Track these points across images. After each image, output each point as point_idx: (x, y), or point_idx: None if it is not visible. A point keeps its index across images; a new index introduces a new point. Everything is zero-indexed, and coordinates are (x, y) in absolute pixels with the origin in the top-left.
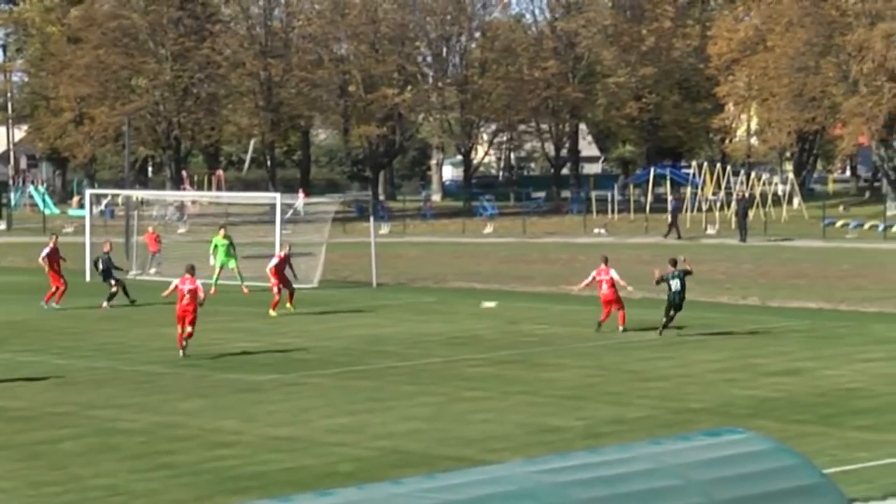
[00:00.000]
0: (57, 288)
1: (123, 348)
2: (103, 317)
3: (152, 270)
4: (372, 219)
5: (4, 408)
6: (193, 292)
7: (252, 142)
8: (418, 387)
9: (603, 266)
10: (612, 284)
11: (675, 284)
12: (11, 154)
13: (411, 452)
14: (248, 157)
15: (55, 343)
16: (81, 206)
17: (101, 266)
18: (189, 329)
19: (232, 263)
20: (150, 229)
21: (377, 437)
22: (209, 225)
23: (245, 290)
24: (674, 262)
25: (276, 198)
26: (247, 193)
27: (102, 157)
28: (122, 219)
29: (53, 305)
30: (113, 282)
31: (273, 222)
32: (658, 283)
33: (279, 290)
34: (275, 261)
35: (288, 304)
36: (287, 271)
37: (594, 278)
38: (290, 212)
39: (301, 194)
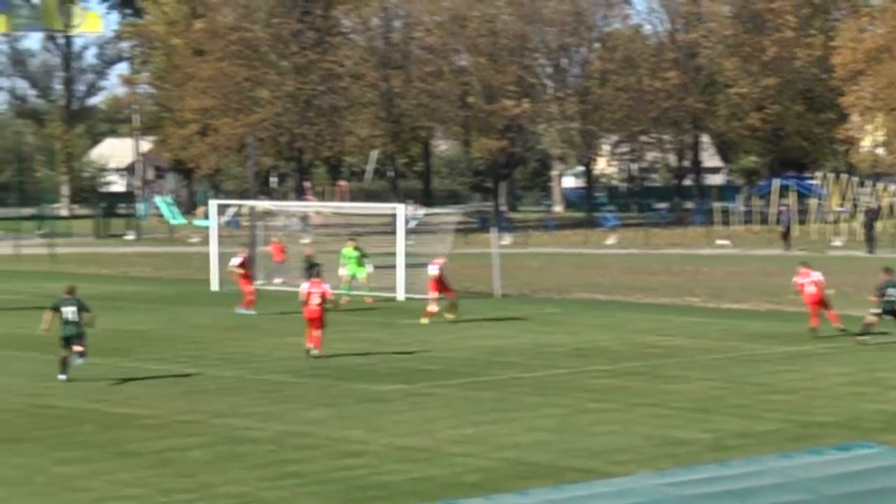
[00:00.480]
0: (249, 295)
1: (250, 357)
2: (230, 326)
3: (277, 280)
4: (494, 229)
5: (135, 416)
6: (321, 295)
7: (373, 153)
8: (543, 398)
9: (804, 269)
10: (818, 285)
11: (892, 293)
12: (139, 165)
13: (537, 464)
14: (369, 168)
15: (183, 352)
16: (207, 216)
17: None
18: (317, 332)
19: (361, 274)
20: (275, 240)
21: (502, 448)
22: (332, 235)
23: (369, 300)
24: (888, 271)
25: (398, 208)
26: (369, 204)
27: (227, 168)
28: (246, 229)
29: (250, 312)
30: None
31: (395, 233)
32: (880, 296)
33: (437, 299)
34: (435, 270)
35: (448, 314)
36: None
37: (800, 284)
38: (413, 222)
39: (413, 206)
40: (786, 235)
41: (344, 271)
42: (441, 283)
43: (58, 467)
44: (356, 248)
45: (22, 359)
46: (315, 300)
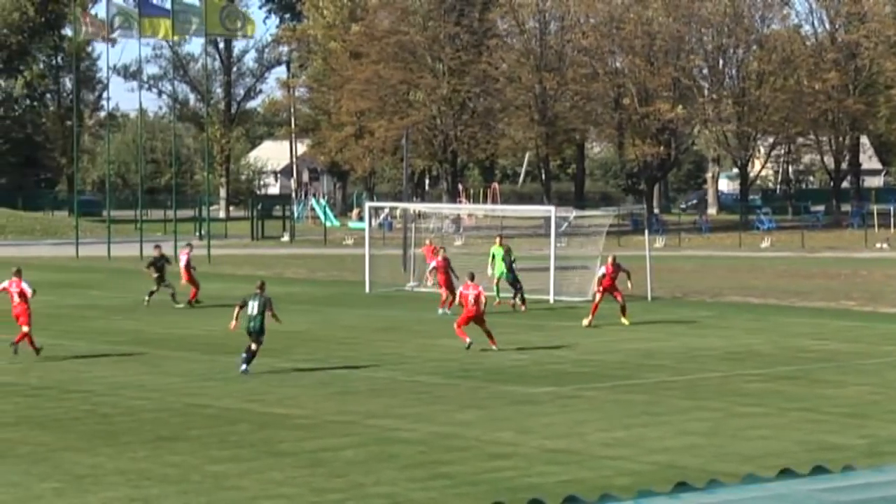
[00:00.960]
0: (447, 296)
1: (402, 358)
2: (382, 328)
3: (430, 283)
4: (647, 232)
5: (288, 416)
6: (477, 297)
7: (527, 155)
8: (694, 401)
9: None
10: None
11: None
12: (294, 167)
13: (689, 468)
14: (522, 171)
15: (336, 353)
16: (361, 218)
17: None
18: (487, 328)
19: (506, 275)
20: (428, 242)
21: (653, 452)
22: (485, 238)
23: (497, 303)
24: None
25: (551, 211)
26: (521, 206)
27: (381, 170)
28: (399, 231)
29: (447, 311)
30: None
31: (547, 235)
32: None
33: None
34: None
35: (623, 319)
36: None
37: None
38: (565, 225)
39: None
40: None
41: (491, 271)
42: (611, 283)
43: (212, 466)
44: (501, 246)
45: (178, 359)
46: (471, 303)
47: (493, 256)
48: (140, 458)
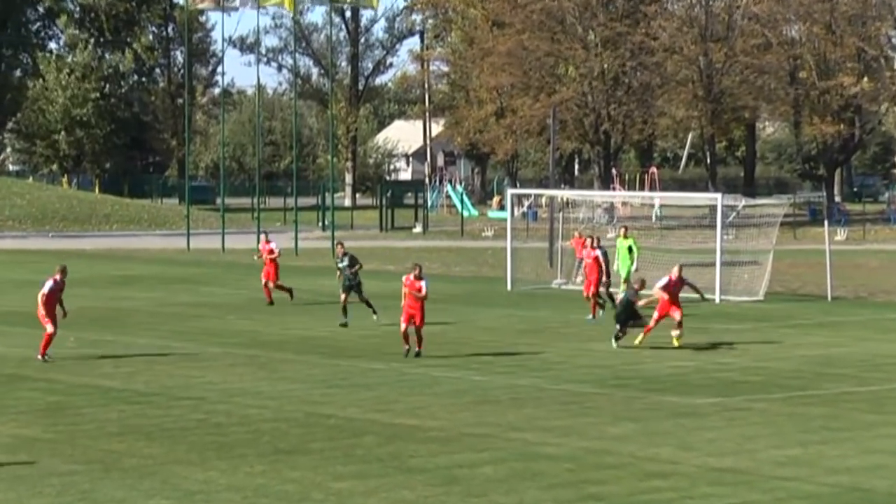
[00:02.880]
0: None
1: (547, 364)
2: (526, 329)
3: (579, 279)
4: (826, 223)
5: (419, 427)
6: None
7: (689, 136)
8: (882, 416)
9: None
10: None
11: None
12: (428, 150)
13: (875, 491)
14: (684, 154)
15: (473, 357)
16: (502, 207)
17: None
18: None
19: (626, 270)
20: (577, 233)
21: (833, 472)
22: (641, 229)
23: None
24: None
25: (717, 199)
26: (683, 194)
27: (525, 154)
28: (545, 221)
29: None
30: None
31: (712, 226)
32: None
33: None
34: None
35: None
36: None
37: None
38: (733, 215)
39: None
40: None
41: (617, 265)
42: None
43: (335, 482)
44: (626, 238)
45: (297, 363)
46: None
47: (622, 250)
48: (256, 472)
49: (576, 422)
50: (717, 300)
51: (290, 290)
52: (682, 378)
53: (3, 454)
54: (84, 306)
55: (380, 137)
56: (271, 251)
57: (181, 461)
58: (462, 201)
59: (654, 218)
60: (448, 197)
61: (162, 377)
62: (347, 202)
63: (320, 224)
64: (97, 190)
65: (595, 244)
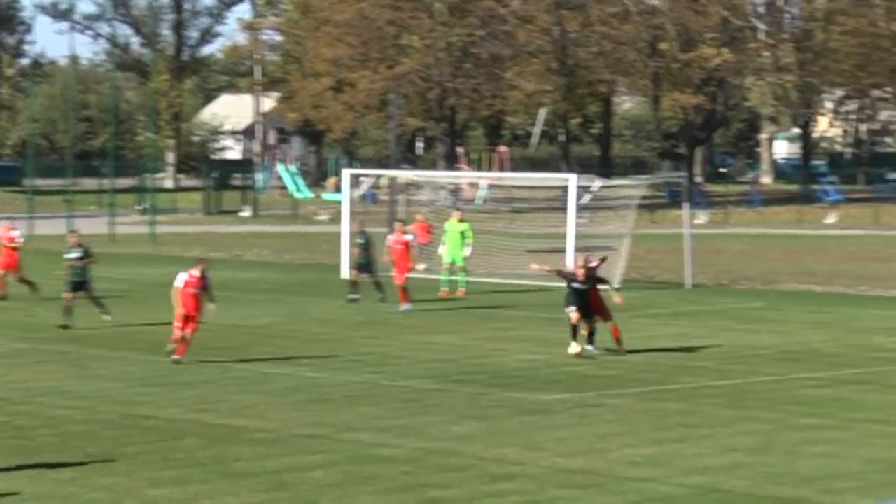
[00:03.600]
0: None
1: (386, 359)
2: (362, 321)
3: (421, 267)
4: (686, 205)
5: (246, 428)
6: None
7: (542, 112)
8: (741, 411)
9: None
10: None
11: None
12: (259, 127)
13: (732, 492)
14: (536, 131)
15: (305, 352)
16: (339, 188)
17: None
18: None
19: (460, 258)
20: (420, 217)
21: (690, 472)
22: (490, 212)
23: (461, 292)
24: None
25: (571, 179)
26: (535, 174)
27: (364, 132)
28: (386, 204)
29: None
30: None
31: (566, 209)
32: None
33: None
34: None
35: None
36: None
37: None
38: (587, 197)
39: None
40: None
41: (443, 250)
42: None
43: (152, 489)
44: (461, 222)
45: (112, 360)
46: None
47: (452, 235)
48: (65, 480)
49: (416, 421)
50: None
51: (32, 284)
52: (531, 373)
53: None
54: None
55: (206, 113)
56: (12, 239)
57: None
58: (295, 182)
59: (478, 199)
60: (280, 178)
61: None
62: (169, 183)
63: (139, 207)
64: None
65: (404, 229)
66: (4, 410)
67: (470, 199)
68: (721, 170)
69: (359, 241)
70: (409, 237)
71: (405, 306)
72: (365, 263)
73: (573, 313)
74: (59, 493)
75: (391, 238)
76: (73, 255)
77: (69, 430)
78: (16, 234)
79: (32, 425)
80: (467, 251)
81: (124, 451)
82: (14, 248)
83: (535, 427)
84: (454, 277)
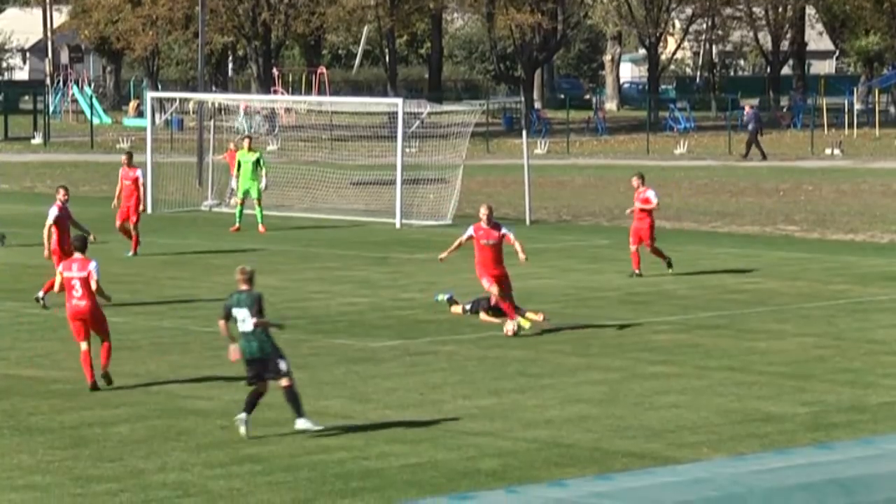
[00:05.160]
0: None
1: (196, 303)
2: (169, 261)
3: (233, 201)
4: (525, 134)
5: (40, 379)
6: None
7: (365, 30)
8: (586, 359)
9: None
10: None
11: None
12: (50, 45)
13: (577, 446)
14: (360, 51)
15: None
16: (141, 113)
17: None
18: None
19: (255, 190)
20: (232, 146)
21: (531, 426)
22: (309, 141)
23: (261, 230)
24: None
25: (398, 104)
26: (359, 98)
27: (168, 50)
28: (193, 131)
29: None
30: None
31: (393, 137)
32: None
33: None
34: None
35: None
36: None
37: None
38: (416, 124)
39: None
40: (751, 142)
41: (235, 184)
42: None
43: None
44: (251, 150)
45: None
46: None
47: (240, 165)
48: None
49: (229, 370)
50: (399, 224)
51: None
52: (357, 317)
53: None
54: None
55: None
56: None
57: None
58: (91, 106)
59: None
60: (74, 101)
61: None
62: None
63: None
64: None
65: (129, 161)
66: None
67: (288, 125)
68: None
69: None
70: (138, 173)
71: (132, 252)
72: None
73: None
74: None
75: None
76: None
77: None
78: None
79: None
80: (263, 182)
81: None
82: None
83: (362, 377)
84: (251, 211)
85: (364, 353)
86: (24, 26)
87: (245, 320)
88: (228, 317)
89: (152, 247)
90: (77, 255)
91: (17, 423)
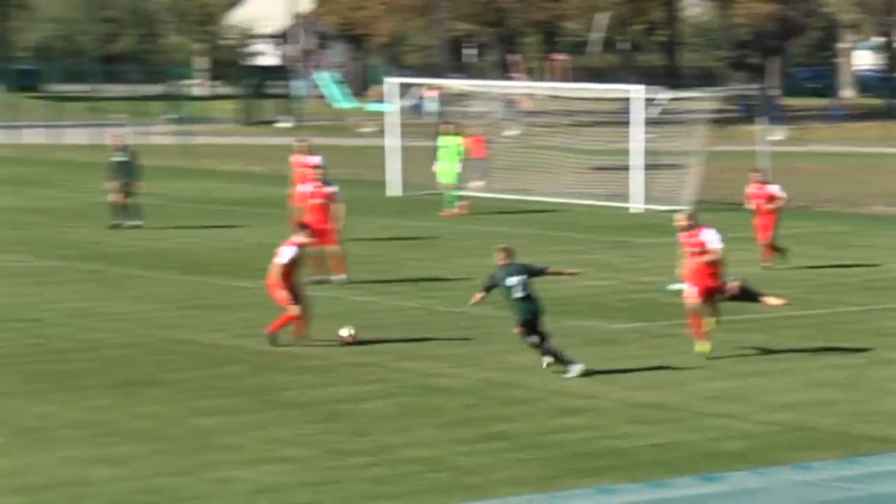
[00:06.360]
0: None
1: (441, 283)
2: (413, 243)
3: (476, 184)
4: (761, 121)
5: (294, 355)
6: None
7: (601, 17)
8: (826, 344)
9: None
10: None
11: None
12: (296, 31)
13: (819, 429)
14: (596, 38)
15: (353, 275)
16: (383, 98)
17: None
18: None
19: (453, 174)
20: (474, 131)
21: (773, 409)
22: (548, 126)
23: (450, 212)
24: None
25: (637, 91)
26: (598, 85)
27: (409, 36)
28: (434, 116)
29: None
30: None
31: (629, 123)
32: None
33: None
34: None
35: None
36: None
37: None
38: (655, 110)
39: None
40: None
41: (439, 166)
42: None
43: (196, 419)
44: (454, 135)
45: (149, 280)
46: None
47: (451, 150)
48: (104, 407)
49: (476, 350)
50: (636, 209)
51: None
52: (598, 300)
53: None
54: None
55: (237, 14)
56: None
57: (13, 393)
58: (336, 91)
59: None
60: (319, 86)
61: None
62: (202, 91)
63: (169, 116)
64: None
65: (304, 149)
66: (37, 332)
67: (528, 110)
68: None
69: (116, 159)
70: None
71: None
72: (126, 181)
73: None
74: (98, 420)
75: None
76: (121, 158)
77: (106, 354)
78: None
79: (67, 348)
80: (458, 167)
81: (165, 377)
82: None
83: (605, 358)
84: (462, 193)
85: (606, 334)
86: (271, 12)
87: (519, 288)
88: (490, 289)
89: (396, 229)
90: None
91: (273, 398)
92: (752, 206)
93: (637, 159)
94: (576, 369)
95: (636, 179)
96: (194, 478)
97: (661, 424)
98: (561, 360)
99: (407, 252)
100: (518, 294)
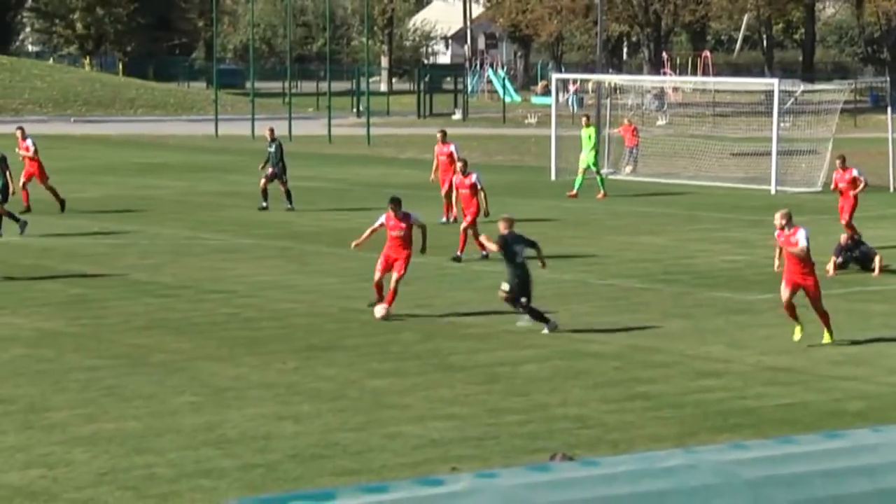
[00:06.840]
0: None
1: (593, 258)
2: (570, 221)
3: (628, 169)
4: (889, 110)
5: (459, 324)
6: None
7: (745, 18)
8: None
9: None
10: None
11: None
12: (469, 32)
13: None
14: (740, 37)
15: None
16: (547, 92)
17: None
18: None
19: (591, 161)
20: (626, 121)
21: (892, 372)
22: (693, 117)
23: (601, 196)
24: None
25: (774, 84)
26: (738, 79)
27: (570, 36)
28: (591, 108)
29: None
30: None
31: (769, 113)
32: None
33: None
34: None
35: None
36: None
37: None
38: (790, 101)
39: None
40: None
41: (583, 156)
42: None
43: (371, 380)
44: (590, 126)
45: (332, 256)
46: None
47: (585, 140)
48: (289, 369)
49: (623, 318)
50: (774, 191)
51: (60, 200)
52: (735, 273)
53: (25, 348)
54: (108, 195)
55: (417, 19)
56: (27, 149)
57: (210, 357)
58: (504, 86)
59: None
60: (489, 82)
61: (190, 269)
62: (383, 87)
63: (355, 110)
64: (121, 72)
65: (465, 168)
66: (232, 303)
67: (675, 102)
68: None
69: (270, 149)
70: (473, 178)
71: (459, 254)
72: (276, 172)
73: None
74: (284, 381)
75: (456, 180)
76: (272, 149)
77: (292, 322)
78: (29, 142)
79: (258, 317)
80: (590, 156)
81: (344, 343)
82: (31, 158)
83: (740, 326)
84: (598, 176)
85: (741, 304)
86: (447, 17)
87: (521, 254)
88: (504, 246)
89: (553, 210)
90: None
91: (440, 361)
92: (836, 189)
93: (776, 146)
94: (547, 326)
95: (773, 164)
96: (368, 433)
97: (789, 386)
98: (541, 319)
99: (563, 230)
100: (520, 259)
